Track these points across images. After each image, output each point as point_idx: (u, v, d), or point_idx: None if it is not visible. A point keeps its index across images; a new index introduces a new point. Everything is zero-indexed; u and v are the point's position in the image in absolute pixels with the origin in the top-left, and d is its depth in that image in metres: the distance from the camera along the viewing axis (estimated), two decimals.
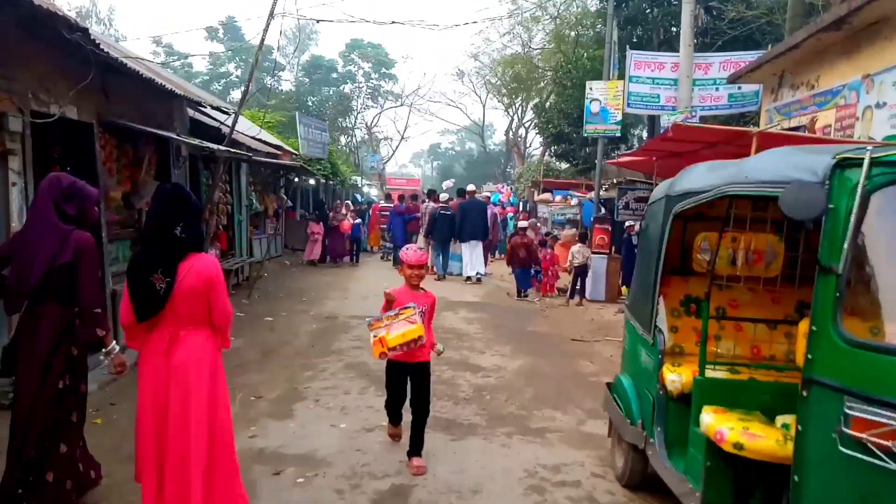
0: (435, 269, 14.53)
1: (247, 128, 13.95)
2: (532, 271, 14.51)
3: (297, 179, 19.79)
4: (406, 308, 3.57)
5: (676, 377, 3.51)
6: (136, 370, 3.06)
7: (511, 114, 37.60)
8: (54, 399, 3.24)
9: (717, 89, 13.21)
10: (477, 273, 14.80)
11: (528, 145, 39.76)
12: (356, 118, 39.63)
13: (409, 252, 4.05)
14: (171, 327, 2.98)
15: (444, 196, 16.27)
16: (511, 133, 39.02)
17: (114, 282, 6.63)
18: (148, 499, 2.97)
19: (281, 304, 10.34)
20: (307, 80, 39.51)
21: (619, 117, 13.78)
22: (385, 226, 19.18)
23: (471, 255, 14.88)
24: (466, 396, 5.85)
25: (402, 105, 40.95)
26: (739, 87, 12.62)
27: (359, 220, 17.57)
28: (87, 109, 6.15)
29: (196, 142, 8.25)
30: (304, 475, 4.06)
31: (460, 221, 14.63)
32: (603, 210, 13.93)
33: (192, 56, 39.83)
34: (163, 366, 2.95)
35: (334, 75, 39.59)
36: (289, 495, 3.80)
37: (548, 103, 25.36)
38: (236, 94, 35.02)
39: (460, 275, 15.10)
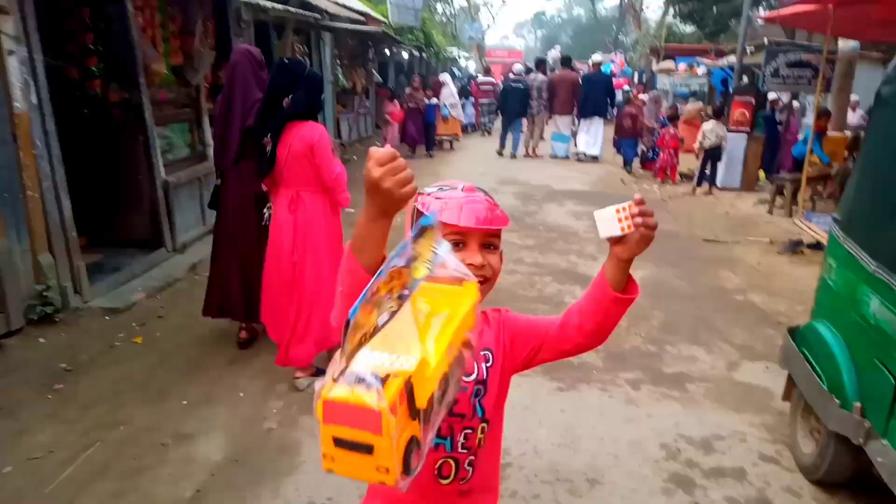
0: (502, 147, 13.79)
1: None
2: (647, 151, 12.63)
3: (388, 53, 18.24)
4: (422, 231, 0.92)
5: None
6: None
7: None
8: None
9: None
10: (592, 154, 13.27)
11: (645, 7, 35.23)
12: None
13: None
14: (293, 187, 3.38)
15: (517, 67, 14.59)
16: None
17: (167, 171, 5.76)
18: (276, 325, 3.55)
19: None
20: None
21: None
22: (486, 101, 17.59)
23: (588, 133, 13.30)
24: None
25: None
26: None
27: (435, 100, 13.74)
28: None
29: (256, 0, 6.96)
30: None
31: (584, 93, 13.00)
32: (745, 79, 11.50)
33: None
34: (289, 220, 3.40)
35: None
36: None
37: None
38: None
39: (566, 157, 13.47)
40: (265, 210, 3.66)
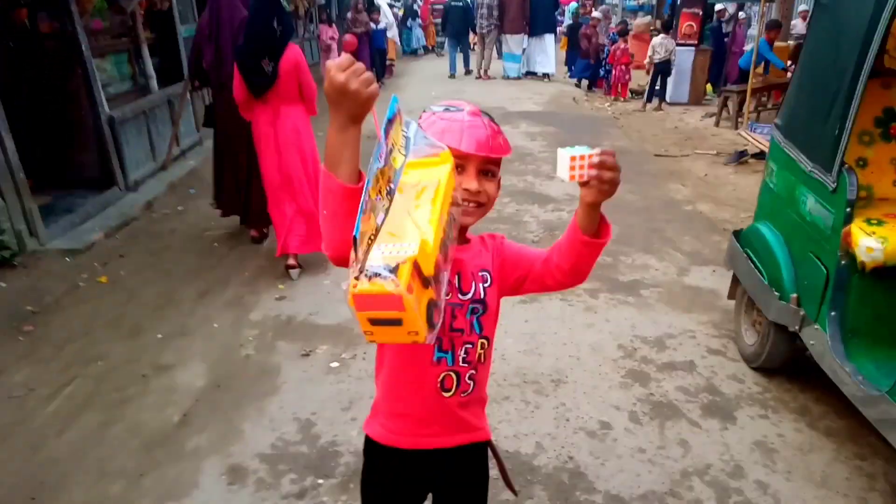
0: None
1: None
2: (597, 69, 12.63)
3: None
4: (391, 122, 0.95)
5: (876, 243, 2.29)
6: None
7: None
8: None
9: None
10: (545, 72, 13.27)
11: None
12: None
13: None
14: (275, 103, 3.84)
15: None
16: None
17: (110, 106, 5.54)
18: (280, 218, 4.04)
19: None
20: None
21: None
22: (440, 20, 17.13)
23: (539, 52, 13.26)
24: (535, 238, 4.79)
25: None
26: None
27: (382, 25, 12.76)
28: None
29: None
30: (338, 357, 3.22)
31: (533, 11, 12.80)
32: None
33: None
34: (272, 132, 3.90)
35: None
36: (319, 386, 2.98)
37: None
38: None
39: (518, 78, 13.37)
40: None
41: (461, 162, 1.16)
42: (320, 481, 2.39)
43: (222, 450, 2.57)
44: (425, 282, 0.87)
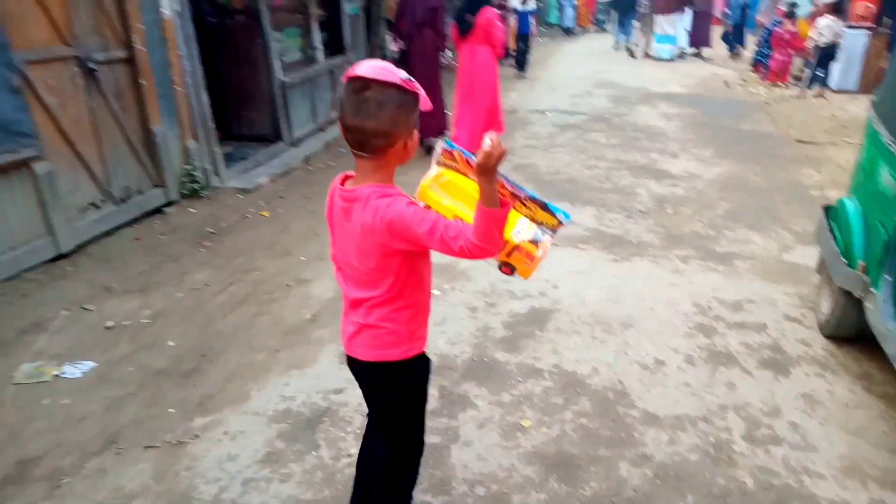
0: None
1: None
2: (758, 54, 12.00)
3: None
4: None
5: None
6: None
7: None
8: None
9: None
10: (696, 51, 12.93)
11: None
12: None
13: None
14: (472, 43, 5.95)
15: None
16: None
17: (285, 72, 6.51)
18: (461, 129, 6.07)
19: None
20: None
21: None
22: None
23: (683, 28, 12.95)
24: (643, 209, 5.02)
25: None
26: None
27: (531, 6, 11.11)
28: None
29: None
30: (440, 287, 3.79)
31: None
32: None
33: None
34: (469, 63, 6.00)
35: None
36: None
37: None
38: None
39: (671, 60, 13.07)
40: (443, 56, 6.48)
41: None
42: None
43: (338, 340, 3.23)
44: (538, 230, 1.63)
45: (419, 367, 1.76)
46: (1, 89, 3.62)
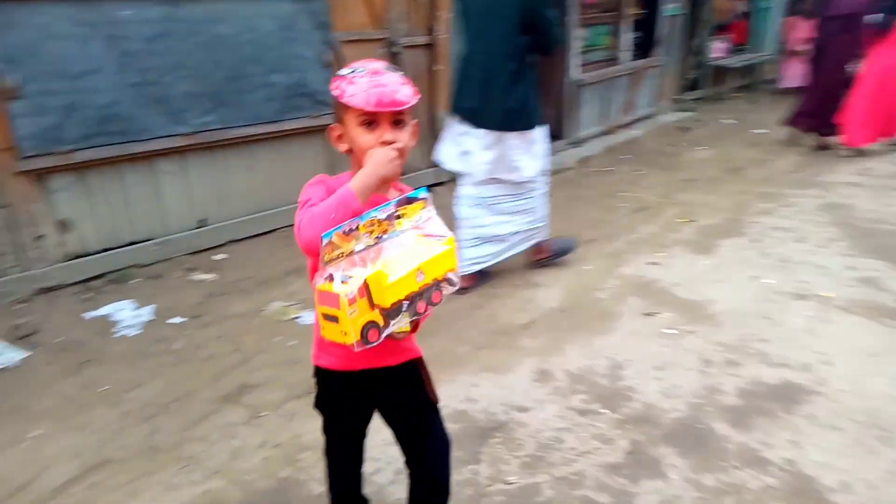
0: None
1: None
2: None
3: None
4: (410, 201, 1.35)
5: None
6: None
7: None
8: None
9: None
10: None
11: None
12: None
13: None
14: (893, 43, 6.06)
15: None
16: None
17: (583, 70, 6.37)
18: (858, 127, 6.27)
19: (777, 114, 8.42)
20: None
21: None
22: None
23: None
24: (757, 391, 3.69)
25: None
26: None
27: None
28: None
29: None
30: (677, 326, 3.30)
31: None
32: None
33: None
34: (888, 62, 6.08)
35: None
36: (645, 342, 3.16)
37: None
38: None
39: None
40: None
41: (373, 118, 1.34)
42: (604, 411, 2.64)
43: (542, 355, 3.04)
44: (372, 304, 1.19)
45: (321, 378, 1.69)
46: (316, 63, 4.17)
